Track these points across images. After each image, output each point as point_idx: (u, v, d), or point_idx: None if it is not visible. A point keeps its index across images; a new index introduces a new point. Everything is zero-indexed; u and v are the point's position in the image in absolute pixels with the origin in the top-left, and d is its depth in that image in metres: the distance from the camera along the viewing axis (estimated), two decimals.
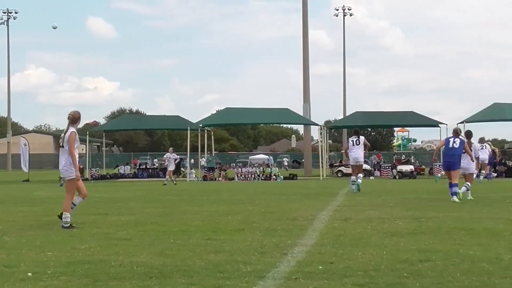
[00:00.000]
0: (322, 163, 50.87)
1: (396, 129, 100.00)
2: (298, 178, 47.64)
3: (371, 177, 47.72)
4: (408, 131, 72.65)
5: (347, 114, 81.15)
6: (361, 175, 25.42)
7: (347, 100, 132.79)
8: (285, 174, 49.12)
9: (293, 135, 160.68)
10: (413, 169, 48.58)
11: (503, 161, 50.34)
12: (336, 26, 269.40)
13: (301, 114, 55.42)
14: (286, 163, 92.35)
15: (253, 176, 46.39)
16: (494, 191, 24.76)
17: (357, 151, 25.24)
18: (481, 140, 34.93)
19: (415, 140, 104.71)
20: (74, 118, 13.24)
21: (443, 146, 20.53)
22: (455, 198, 18.95)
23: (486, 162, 34.46)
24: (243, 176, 46.49)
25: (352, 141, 25.55)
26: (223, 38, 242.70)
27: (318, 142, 58.83)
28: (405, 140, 78.25)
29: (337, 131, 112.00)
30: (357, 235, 11.00)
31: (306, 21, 61.03)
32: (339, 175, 52.31)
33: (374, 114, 56.73)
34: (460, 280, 7.08)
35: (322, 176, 47.95)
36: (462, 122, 48.43)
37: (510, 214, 14.49)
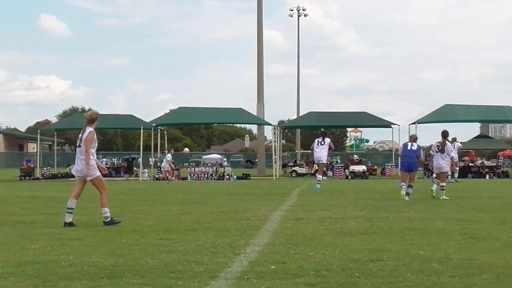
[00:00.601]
0: (275, 163, 50.94)
1: (349, 129, 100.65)
2: (251, 178, 47.65)
3: (324, 177, 47.90)
4: (361, 132, 73.16)
5: (300, 114, 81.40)
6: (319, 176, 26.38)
7: (301, 100, 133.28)
8: (238, 174, 49.11)
9: (247, 135, 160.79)
10: (366, 170, 48.94)
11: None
12: (290, 27, 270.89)
13: (255, 114, 55.43)
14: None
15: (206, 175, 46.29)
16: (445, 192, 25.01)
17: (320, 151, 26.54)
18: (453, 140, 36.38)
19: (367, 141, 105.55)
20: (91, 119, 13.44)
21: (402, 149, 21.77)
22: (406, 198, 19.91)
23: (456, 161, 36.49)
24: (196, 175, 46.37)
25: (318, 141, 26.79)
26: (177, 38, 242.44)
27: (271, 142, 58.88)
28: (358, 141, 78.94)
29: (290, 131, 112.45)
30: (309, 235, 11.05)
31: (261, 21, 61.05)
32: (293, 175, 52.43)
33: (328, 115, 56.97)
34: (411, 280, 7.15)
35: (275, 176, 48.00)
36: (414, 123, 48.90)
37: (460, 214, 14.66)
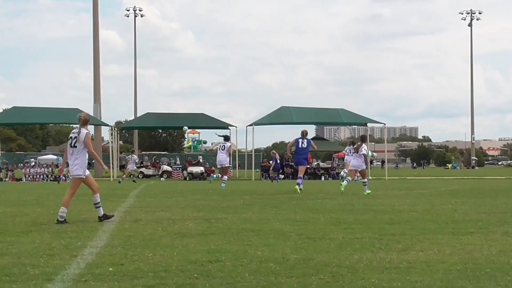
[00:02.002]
0: (112, 164, 50.37)
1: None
2: None
3: (161, 179, 47.86)
4: (199, 133, 73.39)
5: (138, 115, 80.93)
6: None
7: (139, 101, 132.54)
8: None
9: None
10: (204, 171, 49.21)
11: (290, 163, 52.05)
12: (127, 27, 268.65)
13: (92, 114, 54.59)
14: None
15: (41, 176, 45.20)
16: (281, 192, 25.51)
17: (222, 155, 29.13)
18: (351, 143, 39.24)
19: (205, 142, 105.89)
20: (85, 120, 13.98)
21: (294, 145, 25.23)
22: (297, 188, 23.65)
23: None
24: (31, 176, 45.18)
25: (220, 146, 29.83)
26: (8, 36, 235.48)
27: (108, 143, 58.17)
28: (196, 142, 78.96)
29: (128, 132, 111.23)
30: (147, 236, 10.98)
31: (97, 21, 60.27)
32: (140, 177, 51.90)
33: (165, 116, 57.04)
34: (249, 280, 7.23)
35: (113, 177, 47.44)
36: (251, 125, 49.67)
37: (296, 215, 14.94)
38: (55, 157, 77.92)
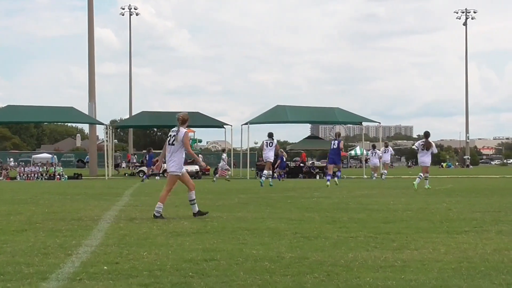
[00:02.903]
0: (107, 163, 50.35)
1: None
2: (83, 177, 46.85)
3: (156, 177, 47.84)
4: (194, 132, 73.38)
5: (133, 114, 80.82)
6: (266, 172, 31.69)
7: (133, 100, 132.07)
8: (69, 174, 48.13)
9: (78, 134, 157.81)
10: (199, 169, 49.18)
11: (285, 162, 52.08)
12: (123, 25, 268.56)
13: (87, 113, 54.58)
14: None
15: (36, 175, 45.15)
16: (276, 191, 25.52)
17: (268, 152, 31.64)
18: (386, 144, 44.04)
19: (200, 141, 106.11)
20: (184, 120, 14.40)
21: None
22: (328, 183, 27.66)
23: (388, 162, 42.32)
24: (26, 175, 45.13)
25: (266, 143, 32.04)
26: (6, 35, 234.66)
27: (103, 141, 58.13)
28: (191, 141, 79.00)
29: (123, 130, 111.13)
30: (142, 235, 10.97)
31: (92, 19, 60.18)
32: (141, 175, 51.70)
33: (160, 114, 56.94)
34: (244, 279, 7.23)
35: (108, 175, 47.43)
36: (246, 124, 49.68)
37: (291, 214, 14.95)
38: (49, 155, 77.90)
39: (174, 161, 14.21)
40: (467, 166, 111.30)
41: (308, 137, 75.03)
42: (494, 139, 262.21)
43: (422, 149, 26.71)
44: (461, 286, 6.84)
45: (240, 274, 7.45)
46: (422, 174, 26.65)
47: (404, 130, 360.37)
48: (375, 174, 41.53)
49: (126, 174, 56.42)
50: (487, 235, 10.95)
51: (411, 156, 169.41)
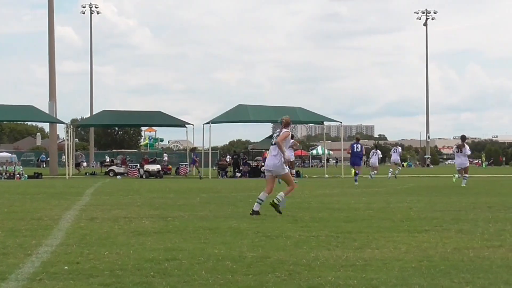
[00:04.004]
0: (68, 162, 50.00)
1: (143, 128, 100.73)
2: (43, 177, 46.46)
3: (118, 177, 47.65)
4: (156, 131, 73.15)
5: (94, 113, 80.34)
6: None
7: (95, 99, 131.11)
8: (29, 173, 47.66)
9: (38, 133, 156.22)
10: (160, 169, 49.06)
11: (247, 161, 52.28)
12: (84, 23, 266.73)
13: (47, 111, 54.06)
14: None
15: None
16: (237, 191, 25.53)
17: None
18: (395, 144, 48.17)
19: (162, 140, 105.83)
20: (287, 123, 15.13)
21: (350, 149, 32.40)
22: (356, 183, 30.04)
23: (398, 162, 43.36)
24: None
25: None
26: None
27: (64, 140, 57.70)
28: (152, 140, 78.71)
29: (84, 129, 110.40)
30: (103, 235, 10.90)
31: (52, 17, 59.62)
32: (111, 174, 51.37)
33: (122, 113, 56.65)
34: (205, 278, 7.21)
35: (68, 175, 47.08)
36: (208, 123, 49.57)
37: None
38: (9, 154, 77.08)
39: (278, 160, 14.82)
40: (428, 165, 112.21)
41: (270, 137, 75.09)
42: (454, 138, 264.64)
43: (457, 152, 29.20)
44: (421, 285, 6.90)
45: (202, 274, 7.44)
46: (464, 175, 28.89)
47: (365, 130, 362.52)
48: (373, 173, 41.35)
49: (87, 173, 56.07)
50: (447, 234, 11.05)
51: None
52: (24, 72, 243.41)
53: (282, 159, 14.77)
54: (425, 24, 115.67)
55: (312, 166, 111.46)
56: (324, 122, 56.26)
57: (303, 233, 11.09)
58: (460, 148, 28.78)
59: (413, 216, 14.17)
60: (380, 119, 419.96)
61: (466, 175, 29.03)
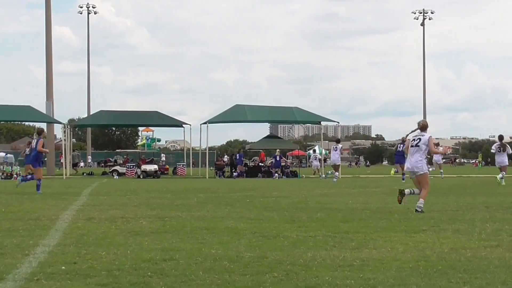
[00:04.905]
0: (65, 162, 50.00)
1: (140, 128, 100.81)
2: None
3: (115, 177, 47.63)
4: (153, 131, 73.13)
5: (91, 113, 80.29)
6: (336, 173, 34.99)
7: (92, 99, 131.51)
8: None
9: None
10: (157, 169, 49.02)
11: (243, 160, 52.22)
12: (81, 24, 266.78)
13: (44, 112, 54.01)
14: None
15: None
16: (235, 190, 25.53)
17: (335, 155, 35.02)
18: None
19: (159, 140, 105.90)
20: (424, 126, 15.83)
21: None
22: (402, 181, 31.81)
23: (440, 162, 45.32)
24: None
25: (333, 147, 35.63)
26: None
27: (61, 140, 57.63)
28: (149, 140, 78.84)
29: (81, 129, 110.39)
30: (101, 235, 10.89)
31: (49, 17, 59.56)
32: (114, 174, 51.20)
33: (119, 113, 56.61)
34: (203, 278, 7.21)
35: (66, 175, 47.05)
36: (205, 123, 49.58)
37: (250, 213, 14.95)
38: (4, 154, 76.94)
39: (420, 161, 15.55)
40: None
41: (267, 137, 75.02)
42: (451, 138, 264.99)
43: (499, 151, 29.78)
44: (419, 285, 6.90)
45: (199, 274, 7.44)
46: (502, 172, 29.96)
47: (362, 130, 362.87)
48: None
49: (84, 174, 56.06)
50: (444, 234, 11.05)
51: (370, 156, 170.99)
52: (21, 72, 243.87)
53: (422, 159, 15.61)
54: (422, 24, 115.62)
55: (309, 166, 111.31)
56: (321, 122, 56.23)
57: (301, 233, 11.09)
58: (503, 147, 29.64)
59: (411, 216, 14.18)
60: (377, 119, 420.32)
61: (504, 173, 30.05)
